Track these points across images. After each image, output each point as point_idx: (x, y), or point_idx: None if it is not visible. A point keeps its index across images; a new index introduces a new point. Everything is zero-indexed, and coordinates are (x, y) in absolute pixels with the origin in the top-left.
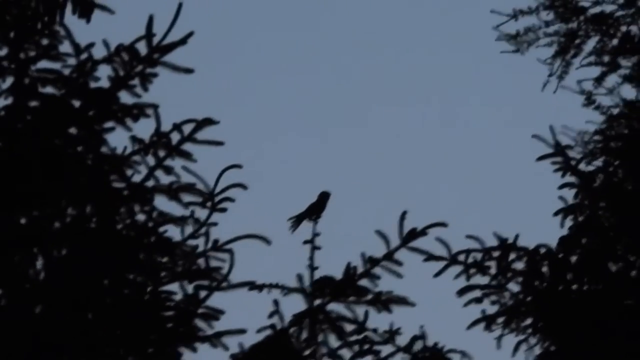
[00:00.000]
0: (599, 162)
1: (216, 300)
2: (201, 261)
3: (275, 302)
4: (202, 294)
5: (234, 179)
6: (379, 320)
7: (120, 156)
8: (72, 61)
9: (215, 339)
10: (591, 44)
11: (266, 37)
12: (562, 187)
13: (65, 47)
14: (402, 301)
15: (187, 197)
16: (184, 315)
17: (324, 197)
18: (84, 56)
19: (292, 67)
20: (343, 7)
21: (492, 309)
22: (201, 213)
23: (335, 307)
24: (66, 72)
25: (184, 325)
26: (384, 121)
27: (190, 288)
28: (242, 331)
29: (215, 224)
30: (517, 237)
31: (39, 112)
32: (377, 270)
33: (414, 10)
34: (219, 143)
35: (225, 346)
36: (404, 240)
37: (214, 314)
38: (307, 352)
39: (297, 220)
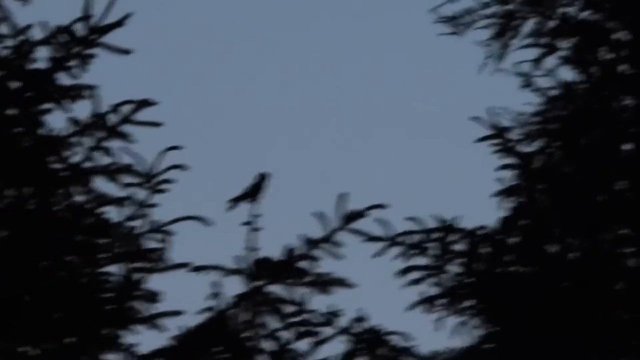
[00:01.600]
0: (537, 144)
1: (156, 282)
2: (140, 243)
3: (215, 284)
4: (140, 275)
5: (174, 161)
6: (319, 303)
7: (58, 138)
8: (9, 42)
9: (151, 321)
10: (529, 25)
11: (205, 16)
12: (500, 168)
13: (3, 28)
14: (342, 283)
15: (125, 179)
16: (121, 298)
17: (262, 179)
18: (21, 38)
19: (229, 45)
20: None
21: (432, 291)
22: (140, 194)
23: (275, 289)
24: (4, 53)
25: (121, 307)
26: (321, 98)
27: (128, 270)
28: (178, 313)
29: (154, 206)
30: (457, 218)
31: None
32: (316, 252)
33: None
34: (158, 124)
35: (162, 328)
36: (344, 221)
37: (153, 296)
38: (246, 334)
39: (236, 201)
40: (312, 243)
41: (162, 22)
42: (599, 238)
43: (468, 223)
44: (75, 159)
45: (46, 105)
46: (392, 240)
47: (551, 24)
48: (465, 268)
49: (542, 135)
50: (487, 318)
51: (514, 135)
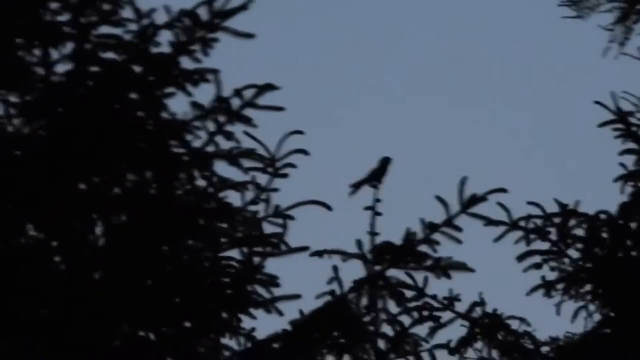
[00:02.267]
0: None
1: (277, 266)
2: (261, 227)
3: (335, 268)
4: (260, 259)
5: (296, 145)
6: (438, 287)
7: (181, 121)
8: (133, 27)
9: (270, 305)
10: None
11: (327, 2)
12: (623, 153)
13: (127, 12)
14: (462, 267)
15: (247, 163)
16: (241, 282)
17: (385, 163)
18: (145, 22)
19: (353, 34)
20: None
21: (551, 276)
22: (262, 179)
23: (395, 273)
24: (127, 37)
25: (240, 291)
26: (443, 86)
27: (249, 254)
28: (297, 296)
29: (276, 190)
30: (577, 203)
31: (100, 77)
32: (436, 236)
33: None
34: (280, 109)
35: (280, 312)
36: (464, 206)
37: (272, 281)
38: (366, 319)
39: (358, 186)
40: (433, 227)
41: (286, 6)
42: None
43: (589, 208)
44: (198, 143)
45: (169, 89)
46: (513, 225)
47: None
48: (586, 253)
49: None
50: (606, 303)
51: (636, 119)
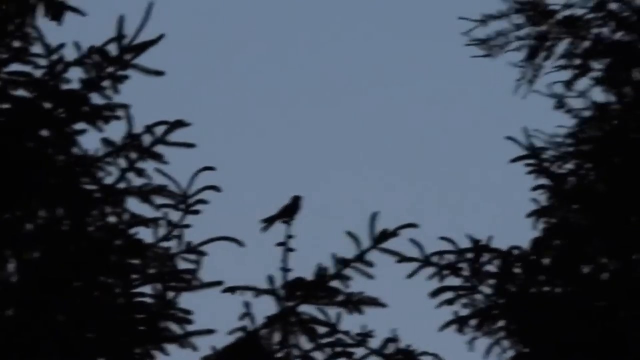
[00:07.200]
0: (570, 165)
1: (189, 302)
2: (173, 263)
3: (247, 304)
4: (173, 295)
5: (207, 181)
6: (351, 323)
7: (92, 158)
8: (43, 63)
9: (183, 340)
10: (562, 47)
11: (238, 38)
12: (535, 189)
13: (37, 49)
14: (374, 302)
15: (159, 200)
16: (154, 317)
17: (297, 200)
18: (55, 57)
19: (266, 69)
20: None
21: (464, 312)
22: (174, 215)
23: (307, 309)
24: (37, 74)
25: (154, 327)
26: (355, 121)
27: (161, 290)
28: (210, 332)
29: (188, 226)
30: (490, 238)
31: (10, 114)
32: (348, 271)
33: (380, 14)
34: (191, 145)
35: (193, 347)
36: (375, 241)
37: (185, 316)
38: (279, 355)
39: (270, 221)
40: (344, 263)
41: (194, 41)
42: (631, 258)
43: (501, 243)
44: (109, 179)
45: (80, 126)
46: (425, 261)
47: (584, 45)
48: (498, 288)
49: (575, 156)
50: (519, 339)
51: (547, 156)
